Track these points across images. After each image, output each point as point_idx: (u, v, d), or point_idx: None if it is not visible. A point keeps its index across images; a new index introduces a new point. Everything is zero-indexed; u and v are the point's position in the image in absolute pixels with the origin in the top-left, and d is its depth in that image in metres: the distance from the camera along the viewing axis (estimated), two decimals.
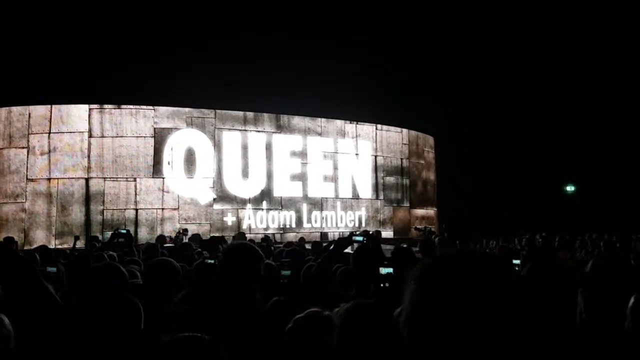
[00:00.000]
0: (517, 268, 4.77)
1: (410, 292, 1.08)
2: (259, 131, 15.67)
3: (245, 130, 15.53)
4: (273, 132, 15.83)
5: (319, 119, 16.38)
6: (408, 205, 18.00)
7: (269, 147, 15.69)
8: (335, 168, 16.52)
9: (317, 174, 16.22)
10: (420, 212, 18.31)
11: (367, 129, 17.18)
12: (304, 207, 15.99)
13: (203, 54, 13.75)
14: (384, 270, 3.35)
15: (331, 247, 3.95)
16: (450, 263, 1.09)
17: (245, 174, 15.39)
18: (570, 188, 18.55)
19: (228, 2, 13.38)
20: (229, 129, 15.33)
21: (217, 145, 15.12)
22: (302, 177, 16.06)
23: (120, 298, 2.11)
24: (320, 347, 2.05)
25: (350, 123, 16.86)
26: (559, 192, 18.37)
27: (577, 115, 15.68)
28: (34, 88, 13.67)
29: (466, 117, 16.10)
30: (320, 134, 16.43)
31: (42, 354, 1.93)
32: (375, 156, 17.28)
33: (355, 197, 16.81)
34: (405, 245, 5.25)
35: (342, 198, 16.60)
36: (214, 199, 14.87)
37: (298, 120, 16.15)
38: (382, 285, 3.33)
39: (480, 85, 15.53)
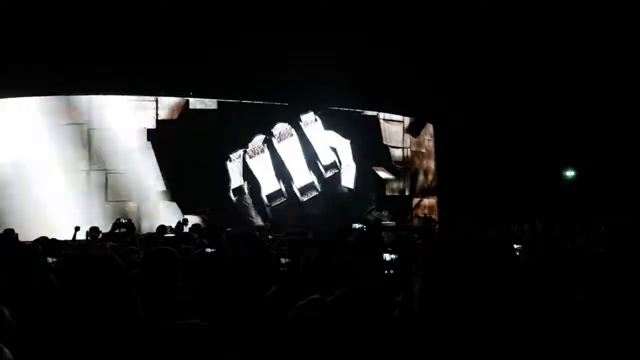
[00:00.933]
0: (517, 253, 4.80)
1: (417, 277, 1.13)
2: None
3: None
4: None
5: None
6: (409, 194, 18.00)
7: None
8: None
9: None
10: (422, 201, 18.33)
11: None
12: None
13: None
14: (388, 257, 3.35)
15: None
16: (448, 250, 1.13)
17: None
18: (570, 173, 18.47)
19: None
20: None
21: None
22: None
23: (116, 288, 2.11)
24: (322, 333, 2.05)
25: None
26: (558, 178, 18.32)
27: (577, 96, 15.62)
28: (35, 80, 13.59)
29: (464, 101, 16.04)
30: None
31: (41, 343, 1.93)
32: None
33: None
34: (405, 233, 5.26)
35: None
36: None
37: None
38: (387, 272, 3.34)
39: (476, 68, 15.46)
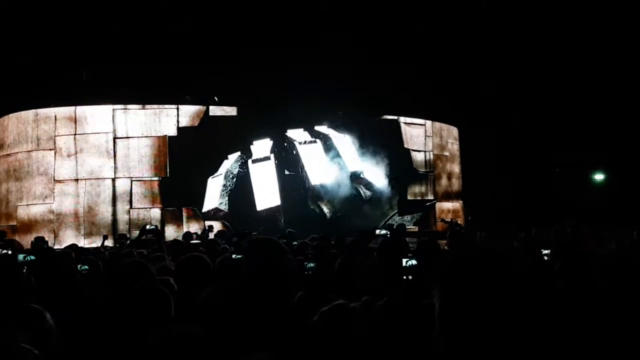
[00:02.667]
0: (546, 258, 4.73)
1: (438, 289, 1.13)
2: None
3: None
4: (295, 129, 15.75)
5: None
6: (432, 198, 17.86)
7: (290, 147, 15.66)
8: None
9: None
10: (446, 205, 18.17)
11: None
12: None
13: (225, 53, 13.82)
14: (407, 263, 3.33)
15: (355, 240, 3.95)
16: (466, 264, 1.13)
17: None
18: (599, 176, 18.07)
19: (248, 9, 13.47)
20: None
21: None
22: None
23: (150, 288, 2.15)
24: (345, 339, 2.06)
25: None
26: (587, 181, 17.96)
27: (605, 98, 15.32)
28: (58, 90, 13.94)
29: (490, 104, 15.89)
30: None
31: (77, 345, 1.98)
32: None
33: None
34: (426, 238, 5.22)
35: None
36: None
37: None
38: (405, 277, 3.31)
39: (503, 69, 15.30)
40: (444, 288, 1.11)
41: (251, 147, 15.04)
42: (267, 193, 14.91)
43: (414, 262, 3.34)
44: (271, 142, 15.25)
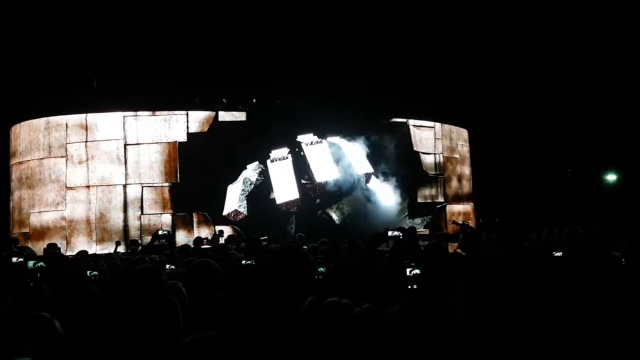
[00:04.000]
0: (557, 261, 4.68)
1: (460, 292, 1.14)
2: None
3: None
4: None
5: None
6: (442, 200, 17.76)
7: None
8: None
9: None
10: (456, 207, 18.06)
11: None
12: None
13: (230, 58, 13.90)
14: (411, 272, 3.29)
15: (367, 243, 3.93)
16: (495, 267, 1.14)
17: None
18: (611, 177, 17.85)
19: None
20: None
21: None
22: None
23: (158, 297, 2.15)
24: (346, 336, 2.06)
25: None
26: (599, 182, 17.76)
27: (617, 97, 15.17)
28: (69, 98, 14.09)
29: (500, 106, 15.81)
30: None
31: (87, 353, 1.98)
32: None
33: None
34: (434, 242, 5.18)
35: None
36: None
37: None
38: (410, 287, 3.29)
39: (513, 71, 15.23)
40: (477, 283, 1.13)
41: (270, 154, 15.06)
42: (285, 188, 14.96)
43: (418, 271, 3.30)
44: (287, 149, 15.25)
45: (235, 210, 14.59)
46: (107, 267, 4.56)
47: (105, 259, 6.55)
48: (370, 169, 15.92)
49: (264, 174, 15.05)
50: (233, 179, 14.67)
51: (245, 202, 14.72)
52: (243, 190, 14.78)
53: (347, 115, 15.81)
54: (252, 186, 14.90)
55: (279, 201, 14.88)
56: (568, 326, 1.19)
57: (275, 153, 15.11)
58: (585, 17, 13.87)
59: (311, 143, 15.50)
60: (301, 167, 15.36)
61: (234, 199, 14.70)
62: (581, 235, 9.36)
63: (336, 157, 15.64)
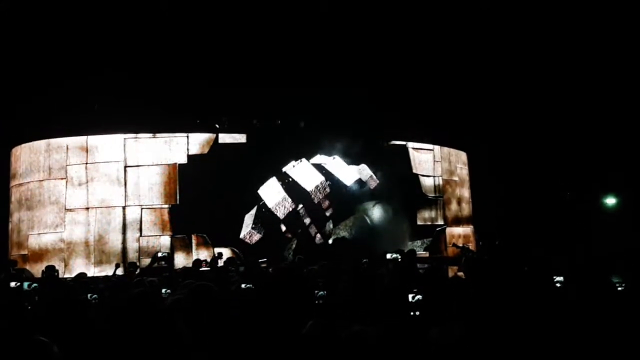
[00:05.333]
0: (558, 285, 4.65)
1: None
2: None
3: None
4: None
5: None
6: (443, 223, 17.72)
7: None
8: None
9: None
10: (456, 230, 18.01)
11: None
12: None
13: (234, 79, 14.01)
14: (413, 298, 3.28)
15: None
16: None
17: None
18: (611, 200, 17.83)
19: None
20: None
21: None
22: None
23: (153, 321, 2.13)
24: None
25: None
26: (598, 206, 17.74)
27: (616, 121, 15.23)
28: (70, 120, 14.17)
29: (498, 128, 15.89)
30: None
31: None
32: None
33: None
34: (434, 264, 5.16)
35: None
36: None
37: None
38: (412, 313, 3.27)
39: (512, 94, 15.34)
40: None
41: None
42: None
43: (419, 297, 3.29)
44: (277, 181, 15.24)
45: (250, 232, 14.54)
46: (106, 289, 4.53)
47: (102, 281, 6.52)
48: (357, 175, 15.83)
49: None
50: (233, 201, 14.59)
51: (259, 224, 14.69)
52: (257, 216, 14.81)
53: (347, 136, 15.79)
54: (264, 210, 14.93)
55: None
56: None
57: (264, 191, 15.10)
58: (584, 42, 14.03)
59: (293, 166, 15.50)
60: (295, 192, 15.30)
61: (249, 222, 14.73)
62: (580, 259, 9.35)
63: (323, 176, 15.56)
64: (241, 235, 14.56)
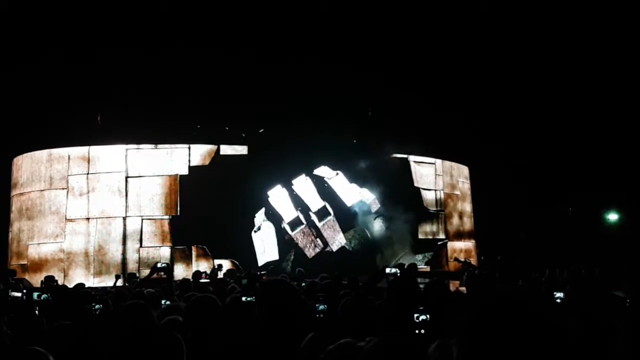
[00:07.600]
0: (559, 301, 4.62)
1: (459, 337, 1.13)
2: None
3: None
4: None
5: None
6: (444, 237, 17.66)
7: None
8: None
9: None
10: (458, 244, 17.94)
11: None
12: None
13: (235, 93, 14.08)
14: (419, 317, 3.23)
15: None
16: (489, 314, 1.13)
17: None
18: (612, 216, 17.79)
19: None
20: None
21: None
22: None
23: (148, 333, 2.12)
24: None
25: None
26: (600, 222, 17.71)
27: (618, 136, 15.24)
28: (72, 130, 14.23)
29: (499, 144, 15.91)
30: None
31: None
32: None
33: None
34: (435, 279, 5.13)
35: None
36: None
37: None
38: (418, 332, 3.23)
39: (514, 108, 15.38)
40: (467, 336, 1.11)
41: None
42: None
43: (426, 316, 3.24)
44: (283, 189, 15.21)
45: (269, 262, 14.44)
46: (111, 298, 4.51)
47: (100, 291, 6.49)
48: (359, 197, 15.77)
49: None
50: (234, 212, 14.54)
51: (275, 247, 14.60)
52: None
53: (352, 142, 15.77)
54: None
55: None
56: None
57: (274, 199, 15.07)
58: (586, 54, 14.09)
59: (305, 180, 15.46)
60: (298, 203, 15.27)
61: (262, 249, 14.58)
62: (583, 275, 9.30)
63: (324, 194, 15.50)
64: (260, 263, 14.39)
